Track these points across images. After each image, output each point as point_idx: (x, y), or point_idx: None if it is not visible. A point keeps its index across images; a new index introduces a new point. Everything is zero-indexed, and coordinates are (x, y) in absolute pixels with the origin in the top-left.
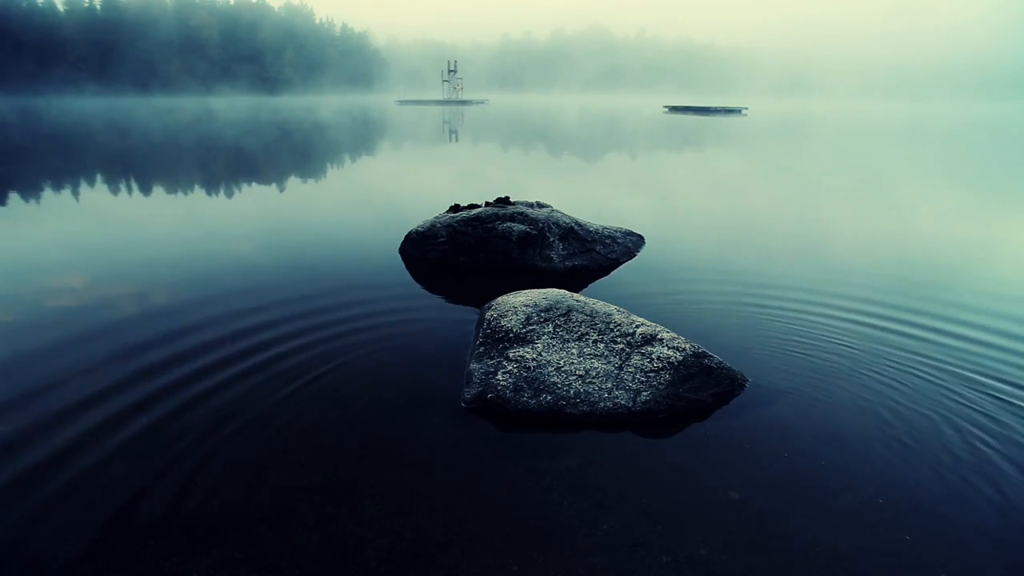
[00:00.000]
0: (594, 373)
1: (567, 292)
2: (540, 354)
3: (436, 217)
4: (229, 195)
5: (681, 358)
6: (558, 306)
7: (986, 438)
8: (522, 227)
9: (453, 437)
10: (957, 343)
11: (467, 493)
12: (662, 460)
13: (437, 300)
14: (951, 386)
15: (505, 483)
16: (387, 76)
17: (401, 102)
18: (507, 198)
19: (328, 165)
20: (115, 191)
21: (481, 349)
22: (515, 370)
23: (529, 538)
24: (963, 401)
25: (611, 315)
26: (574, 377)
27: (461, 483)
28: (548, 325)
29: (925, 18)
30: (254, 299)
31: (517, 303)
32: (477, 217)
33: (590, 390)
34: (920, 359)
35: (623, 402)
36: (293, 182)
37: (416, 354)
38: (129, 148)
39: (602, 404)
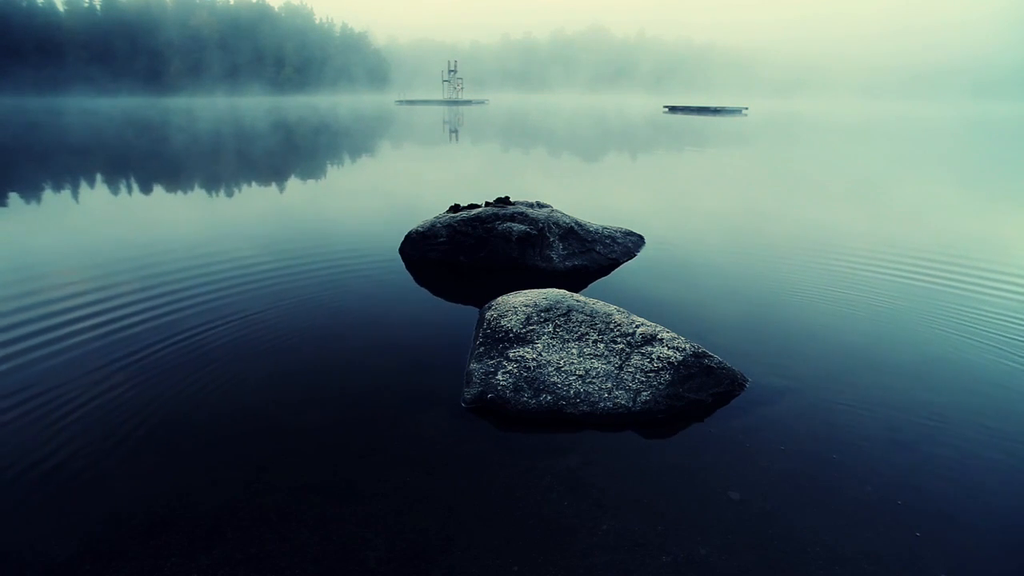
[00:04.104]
0: (594, 373)
1: (567, 292)
2: (540, 354)
3: (436, 217)
4: (229, 195)
5: (681, 358)
6: (558, 306)
7: (989, 438)
8: (522, 227)
9: (453, 437)
10: (959, 343)
11: (467, 493)
12: (662, 460)
13: (437, 300)
14: (953, 386)
15: (505, 483)
16: (387, 76)
17: (401, 102)
18: (507, 198)
19: (327, 165)
20: (107, 190)
21: (481, 349)
22: (515, 370)
23: (529, 538)
24: (965, 401)
25: (611, 315)
26: (574, 377)
27: (461, 483)
28: (548, 325)
29: (925, 18)
30: (252, 298)
31: (517, 303)
32: (477, 217)
33: (590, 390)
34: (921, 359)
35: (623, 402)
36: (292, 182)
37: (416, 354)
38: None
39: (602, 404)
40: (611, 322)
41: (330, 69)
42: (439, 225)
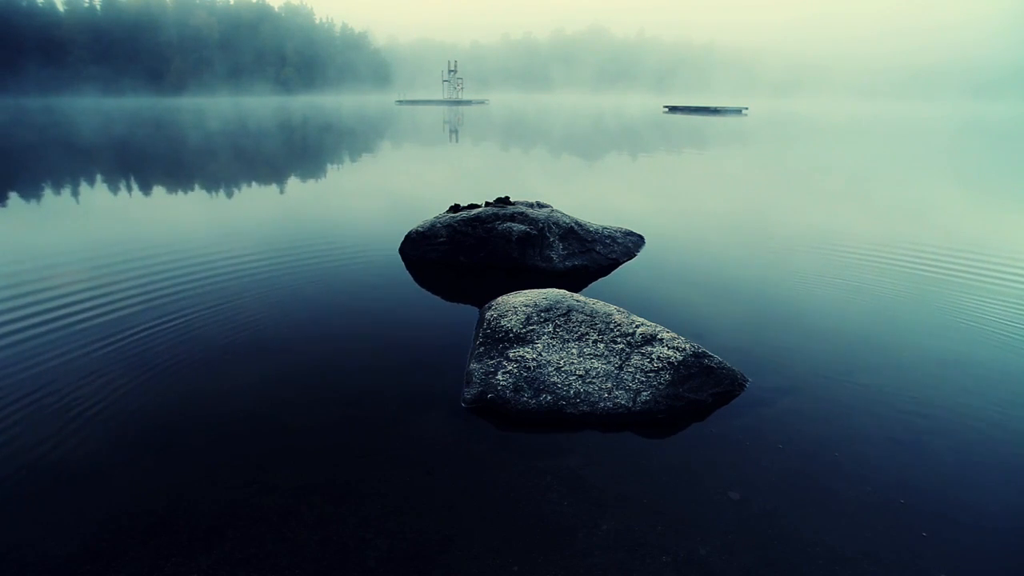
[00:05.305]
0: (594, 373)
1: (567, 292)
2: (540, 354)
3: (436, 217)
4: (232, 194)
5: (681, 358)
6: (558, 306)
7: (989, 437)
8: (522, 227)
9: (453, 437)
10: (959, 342)
11: (467, 493)
12: (662, 460)
13: (437, 300)
14: (953, 385)
15: (505, 483)
16: (388, 76)
17: (401, 102)
18: (507, 198)
19: (327, 165)
20: (108, 189)
21: (481, 349)
22: (515, 370)
23: (529, 538)
24: (965, 400)
25: (611, 315)
26: (574, 377)
27: (461, 483)
28: (548, 325)
29: (924, 19)
30: (250, 297)
31: (517, 303)
32: (477, 217)
33: (590, 390)
34: (922, 359)
35: (623, 402)
36: (292, 182)
37: (416, 354)
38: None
39: (602, 404)
40: (611, 322)
41: (331, 69)
42: (439, 225)
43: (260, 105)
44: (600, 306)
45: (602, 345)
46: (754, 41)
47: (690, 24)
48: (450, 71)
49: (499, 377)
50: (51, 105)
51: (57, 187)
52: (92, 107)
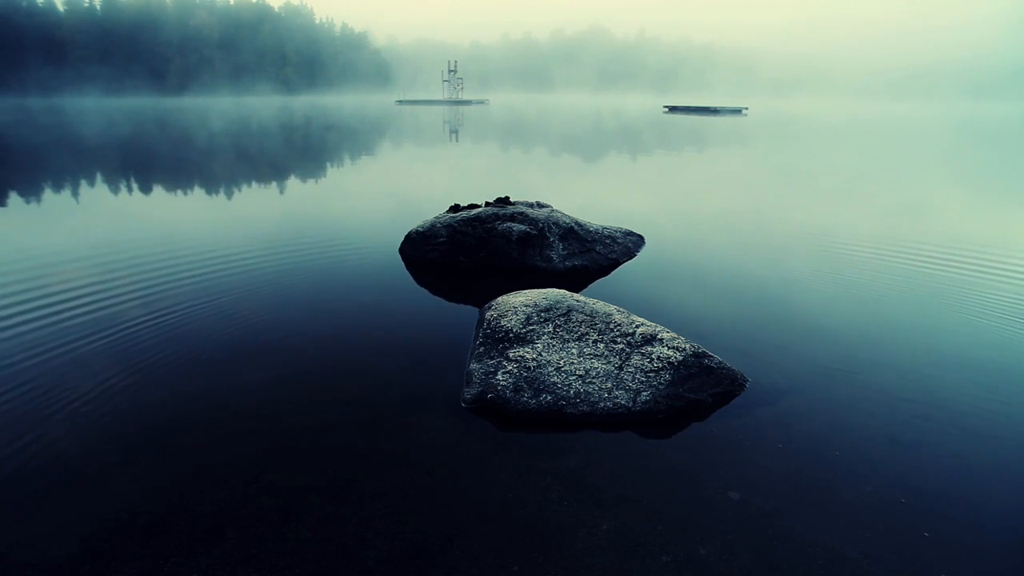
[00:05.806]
0: (594, 373)
1: (567, 292)
2: (540, 354)
3: (436, 217)
4: (230, 195)
5: (681, 358)
6: (558, 306)
7: (990, 437)
8: (522, 227)
9: (453, 437)
10: (960, 343)
11: (467, 493)
12: (662, 460)
13: (437, 300)
14: (953, 385)
15: (505, 483)
16: (388, 76)
17: (401, 102)
18: (507, 198)
19: (326, 165)
20: (108, 189)
21: (481, 349)
22: (515, 370)
23: (529, 538)
24: (966, 400)
25: (611, 315)
26: (574, 377)
27: (461, 483)
28: (548, 325)
29: (925, 18)
30: (250, 298)
31: (517, 303)
32: (477, 217)
33: (590, 390)
34: (922, 359)
35: (623, 402)
36: (292, 182)
37: (416, 354)
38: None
39: (602, 404)
40: (611, 322)
41: (332, 69)
42: (439, 225)
43: (262, 105)
44: (600, 306)
45: (602, 345)
46: (754, 41)
47: (690, 24)
48: (450, 71)
49: (499, 377)
50: (53, 105)
51: (62, 185)
52: (94, 107)
